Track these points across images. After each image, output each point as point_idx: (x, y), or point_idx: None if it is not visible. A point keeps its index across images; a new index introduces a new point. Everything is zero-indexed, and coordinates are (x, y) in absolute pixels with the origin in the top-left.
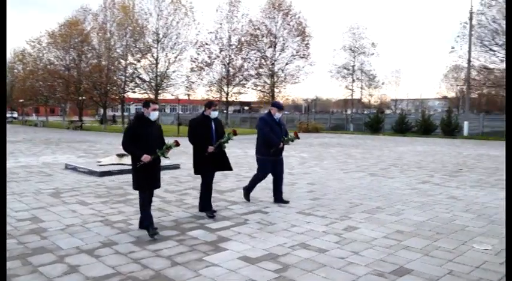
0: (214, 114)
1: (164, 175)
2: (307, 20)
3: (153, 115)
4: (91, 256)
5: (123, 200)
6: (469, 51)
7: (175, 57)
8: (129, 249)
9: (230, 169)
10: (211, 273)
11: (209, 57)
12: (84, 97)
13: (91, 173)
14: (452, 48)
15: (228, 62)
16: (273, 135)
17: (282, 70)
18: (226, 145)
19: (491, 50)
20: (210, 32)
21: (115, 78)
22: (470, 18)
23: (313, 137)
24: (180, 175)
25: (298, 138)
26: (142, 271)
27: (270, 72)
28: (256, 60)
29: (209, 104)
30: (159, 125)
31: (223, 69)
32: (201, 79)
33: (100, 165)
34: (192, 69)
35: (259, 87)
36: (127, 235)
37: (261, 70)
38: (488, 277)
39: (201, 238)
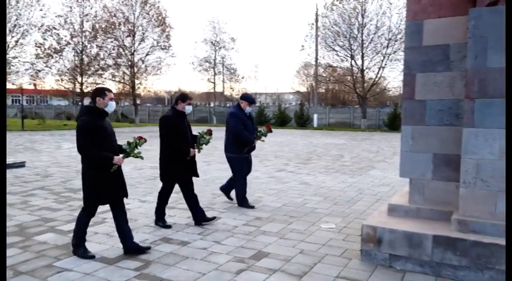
0: (189, 109)
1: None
2: (167, 10)
3: (111, 106)
4: None
5: None
6: (316, 50)
7: (16, 42)
8: None
9: (197, 175)
10: (63, 279)
11: (58, 43)
12: None
13: None
14: (302, 46)
15: (81, 49)
16: (247, 132)
17: (143, 61)
18: (203, 146)
19: (334, 50)
20: (59, 16)
21: None
22: (316, 20)
23: None
24: (25, 174)
25: (271, 131)
26: None
27: (130, 63)
28: (113, 49)
29: (183, 97)
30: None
31: (76, 58)
32: (50, 67)
33: None
34: (37, 56)
35: (117, 78)
36: None
37: (119, 60)
38: (333, 252)
39: (51, 242)
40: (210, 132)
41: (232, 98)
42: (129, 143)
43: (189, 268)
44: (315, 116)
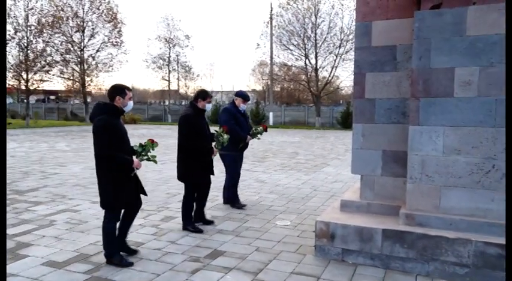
0: (209, 107)
1: None
2: (118, 5)
3: (129, 106)
4: None
5: None
6: (271, 49)
7: None
8: None
9: (213, 173)
10: None
11: None
12: None
13: None
14: (258, 45)
15: (26, 45)
16: (239, 129)
17: (93, 57)
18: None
19: (288, 49)
20: None
21: None
22: (271, 19)
23: (130, 128)
24: None
25: (266, 131)
26: None
27: (79, 59)
28: (61, 44)
29: (204, 95)
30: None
31: (21, 53)
32: None
33: None
34: None
35: (66, 75)
36: None
37: (68, 56)
38: (288, 248)
39: None
40: (227, 132)
41: (188, 96)
42: (141, 145)
43: (143, 269)
44: (271, 115)
